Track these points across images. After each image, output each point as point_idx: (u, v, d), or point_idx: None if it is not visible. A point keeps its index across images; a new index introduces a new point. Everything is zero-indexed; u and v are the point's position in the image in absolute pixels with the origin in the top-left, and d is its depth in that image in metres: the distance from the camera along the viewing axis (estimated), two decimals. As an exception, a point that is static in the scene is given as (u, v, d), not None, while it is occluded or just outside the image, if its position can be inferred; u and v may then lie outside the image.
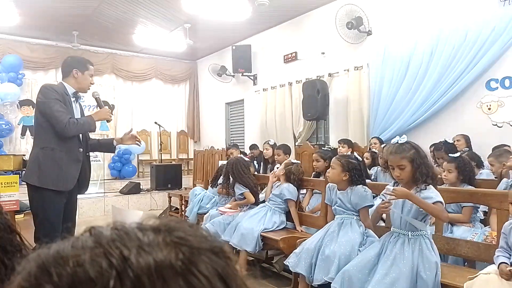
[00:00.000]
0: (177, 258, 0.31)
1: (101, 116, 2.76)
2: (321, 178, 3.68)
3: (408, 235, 2.08)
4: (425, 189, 2.07)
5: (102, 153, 7.45)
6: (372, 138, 4.94)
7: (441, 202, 2.04)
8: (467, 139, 4.16)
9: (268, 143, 4.90)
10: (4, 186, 3.03)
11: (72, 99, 2.67)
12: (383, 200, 2.26)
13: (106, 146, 3.00)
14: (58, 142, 2.54)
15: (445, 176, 2.81)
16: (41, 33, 7.48)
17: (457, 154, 2.90)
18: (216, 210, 3.85)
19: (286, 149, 4.57)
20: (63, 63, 2.75)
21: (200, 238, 0.34)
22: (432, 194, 2.05)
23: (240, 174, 3.73)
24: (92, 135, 2.99)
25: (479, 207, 2.66)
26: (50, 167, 2.51)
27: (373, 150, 4.52)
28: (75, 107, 2.70)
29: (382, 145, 4.40)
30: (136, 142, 2.97)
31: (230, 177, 3.80)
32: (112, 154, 8.24)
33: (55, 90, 2.55)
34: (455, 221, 2.60)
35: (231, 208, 3.69)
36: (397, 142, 2.16)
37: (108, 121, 2.86)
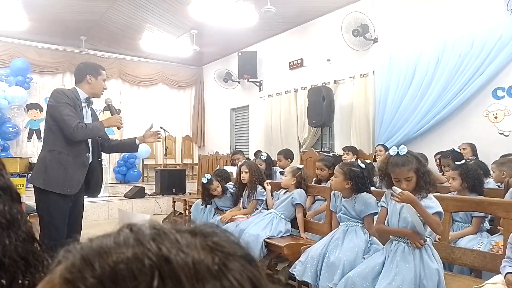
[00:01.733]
0: (213, 262, 0.31)
1: (111, 122, 2.77)
2: (324, 185, 3.68)
3: (408, 242, 2.07)
4: (426, 197, 2.06)
5: (109, 157, 7.51)
6: (378, 145, 4.93)
7: (440, 213, 2.03)
8: (473, 148, 4.14)
9: (260, 158, 4.54)
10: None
11: (84, 105, 2.70)
12: (382, 205, 2.26)
13: (129, 145, 3.01)
14: (66, 146, 2.56)
15: (450, 184, 2.80)
16: (49, 37, 7.57)
17: (462, 162, 2.89)
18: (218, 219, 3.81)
19: (287, 154, 4.55)
20: (76, 69, 2.78)
21: (234, 245, 0.35)
22: (433, 203, 2.04)
23: (262, 176, 3.73)
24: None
25: (487, 217, 2.64)
26: (56, 170, 2.52)
27: (379, 157, 4.51)
28: (86, 112, 2.73)
29: (379, 157, 4.35)
30: (158, 138, 2.98)
31: (253, 181, 3.66)
32: (118, 159, 8.29)
33: (66, 95, 2.57)
34: (464, 235, 2.57)
35: (244, 213, 3.66)
36: (397, 153, 2.11)
37: (118, 128, 2.85)
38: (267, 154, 4.62)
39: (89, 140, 2.72)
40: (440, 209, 2.03)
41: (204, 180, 3.86)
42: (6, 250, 0.54)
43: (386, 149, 4.75)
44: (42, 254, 0.63)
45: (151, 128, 2.99)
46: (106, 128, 2.79)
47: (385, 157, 2.22)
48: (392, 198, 2.01)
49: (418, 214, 2.01)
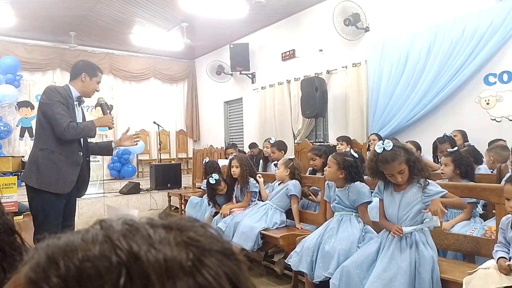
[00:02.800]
0: (187, 258, 0.30)
1: (103, 122, 2.73)
2: (318, 175, 3.69)
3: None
4: (428, 183, 2.08)
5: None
6: (371, 134, 4.94)
7: (446, 192, 2.08)
8: (464, 134, 4.16)
9: (269, 141, 4.89)
10: (3, 188, 3.02)
11: (76, 103, 2.66)
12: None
13: (105, 149, 2.97)
14: (58, 144, 2.53)
15: (442, 170, 2.82)
16: (38, 34, 7.46)
17: (455, 149, 2.91)
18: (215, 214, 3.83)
19: (280, 146, 4.56)
20: (74, 66, 2.73)
21: (211, 239, 0.34)
22: (436, 188, 2.08)
23: (252, 170, 3.73)
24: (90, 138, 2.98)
25: (479, 202, 2.66)
26: (49, 169, 2.49)
27: (372, 146, 4.52)
28: (77, 111, 2.69)
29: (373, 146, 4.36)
30: (135, 142, 2.95)
31: (246, 172, 3.67)
32: (112, 154, 8.23)
33: (58, 92, 2.52)
34: (457, 222, 2.60)
35: (241, 206, 3.67)
36: (383, 149, 2.10)
37: (109, 128, 2.79)
38: (274, 139, 4.85)
39: (82, 139, 2.68)
40: (443, 189, 2.08)
41: (212, 181, 3.81)
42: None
43: (380, 138, 4.76)
44: (20, 245, 0.64)
45: (127, 131, 2.96)
46: (97, 128, 2.73)
47: (372, 154, 2.21)
48: (439, 219, 2.00)
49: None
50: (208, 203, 4.03)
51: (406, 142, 4.12)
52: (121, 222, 0.33)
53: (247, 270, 0.34)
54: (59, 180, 2.51)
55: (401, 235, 2.04)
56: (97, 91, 2.73)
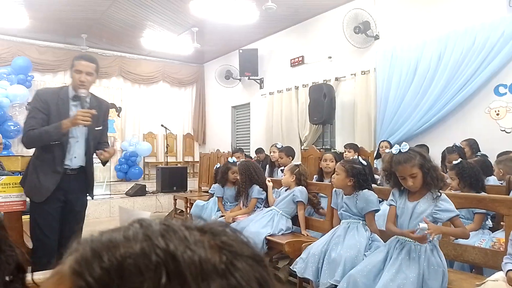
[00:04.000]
0: (220, 261, 0.31)
1: (72, 121, 2.29)
2: (326, 181, 3.68)
3: (415, 242, 2.05)
4: (440, 196, 2.04)
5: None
6: (382, 141, 4.90)
7: (458, 214, 2.04)
8: (472, 145, 4.12)
9: (276, 146, 4.90)
10: (12, 187, 3.05)
11: (74, 103, 2.43)
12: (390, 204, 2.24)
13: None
14: (40, 150, 2.41)
15: (450, 183, 2.80)
16: (50, 36, 7.57)
17: (458, 161, 2.88)
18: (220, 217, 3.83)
19: (288, 152, 4.56)
20: None
21: (243, 244, 0.34)
22: (449, 205, 2.03)
23: (258, 176, 3.75)
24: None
25: (490, 214, 2.63)
26: (31, 175, 2.43)
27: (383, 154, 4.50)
28: (75, 111, 2.42)
29: (383, 154, 4.35)
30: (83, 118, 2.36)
31: (246, 180, 3.71)
32: (119, 156, 8.29)
33: (38, 97, 2.39)
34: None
35: (244, 213, 3.68)
36: (399, 151, 2.10)
37: (84, 125, 2.36)
38: (281, 145, 4.94)
39: (76, 144, 2.46)
40: (456, 210, 2.03)
41: (231, 160, 4.17)
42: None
43: (391, 145, 4.74)
44: (11, 241, 0.66)
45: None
46: (67, 129, 2.34)
47: (389, 156, 2.21)
48: (426, 232, 1.92)
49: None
50: (217, 182, 4.20)
51: (465, 140, 4.18)
52: (159, 222, 0.34)
53: (273, 277, 0.35)
54: (36, 187, 2.39)
55: (425, 236, 1.93)
56: (81, 81, 2.39)
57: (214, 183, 4.58)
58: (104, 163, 2.60)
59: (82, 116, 2.28)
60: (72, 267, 0.31)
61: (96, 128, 2.54)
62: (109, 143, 2.76)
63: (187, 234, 0.33)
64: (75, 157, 2.47)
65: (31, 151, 2.54)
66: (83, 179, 2.54)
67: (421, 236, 1.94)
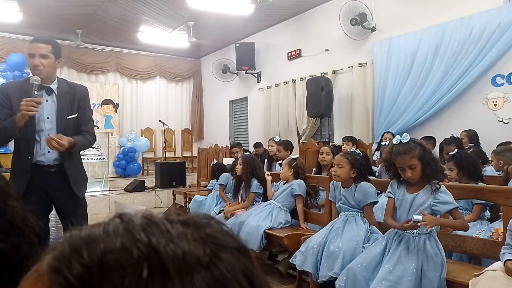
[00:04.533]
0: (204, 253, 0.31)
1: (23, 113, 2.00)
2: (323, 174, 3.68)
3: (413, 233, 2.06)
4: (439, 188, 2.04)
5: (108, 151, 7.50)
6: (386, 132, 4.88)
7: (457, 206, 2.04)
8: (471, 135, 4.12)
9: (273, 140, 4.90)
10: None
11: (38, 93, 2.14)
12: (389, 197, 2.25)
13: None
14: (14, 147, 2.25)
15: (449, 174, 2.80)
16: (45, 32, 7.50)
17: (454, 151, 2.89)
18: (219, 212, 3.85)
19: (286, 145, 4.56)
20: None
21: (227, 236, 0.34)
22: (448, 197, 2.03)
23: (259, 170, 3.74)
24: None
25: (488, 205, 2.64)
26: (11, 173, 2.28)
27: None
28: (45, 104, 2.18)
29: (382, 145, 4.34)
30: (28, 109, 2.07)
31: (249, 171, 3.72)
32: (117, 152, 8.28)
33: (0, 92, 2.20)
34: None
35: (242, 207, 3.69)
36: (400, 142, 2.10)
37: (29, 116, 2.04)
38: (279, 139, 4.87)
39: (37, 138, 2.20)
40: (454, 202, 2.03)
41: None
42: (25, 218, 0.57)
43: (394, 136, 4.72)
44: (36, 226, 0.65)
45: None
46: (21, 122, 2.04)
47: (389, 146, 2.21)
48: (419, 224, 1.93)
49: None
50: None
51: (464, 131, 4.14)
52: (140, 216, 0.33)
53: (259, 268, 0.35)
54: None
55: (417, 225, 1.94)
56: (34, 65, 2.15)
57: (212, 179, 4.59)
58: (65, 153, 2.17)
59: (25, 106, 1.99)
60: (50, 264, 0.30)
61: (69, 117, 2.24)
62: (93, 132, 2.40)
63: (170, 227, 0.32)
64: (48, 152, 2.20)
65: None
66: (65, 176, 2.23)
67: (412, 225, 1.94)
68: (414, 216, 1.94)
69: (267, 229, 3.13)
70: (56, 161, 2.24)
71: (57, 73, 2.35)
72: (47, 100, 2.22)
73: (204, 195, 4.70)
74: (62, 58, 2.31)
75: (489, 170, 3.24)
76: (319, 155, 3.89)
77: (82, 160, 2.48)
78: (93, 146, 2.57)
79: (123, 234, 0.31)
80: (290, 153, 4.52)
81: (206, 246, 0.31)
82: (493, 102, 4.39)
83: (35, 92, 2.09)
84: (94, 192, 6.34)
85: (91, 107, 2.48)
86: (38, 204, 2.14)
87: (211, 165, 4.77)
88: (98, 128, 7.93)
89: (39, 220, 0.65)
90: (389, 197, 2.23)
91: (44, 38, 2.22)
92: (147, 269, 0.28)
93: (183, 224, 0.33)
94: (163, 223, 0.32)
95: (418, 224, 1.91)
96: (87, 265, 0.29)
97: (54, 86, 2.25)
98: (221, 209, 4.00)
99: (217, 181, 4.45)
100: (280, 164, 4.16)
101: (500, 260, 1.83)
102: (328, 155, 3.77)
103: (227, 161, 4.85)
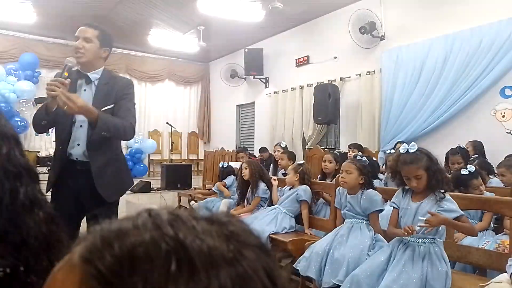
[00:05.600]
0: (228, 250, 0.31)
1: (47, 92, 1.93)
2: (328, 180, 3.69)
3: (418, 242, 2.06)
4: (444, 197, 2.04)
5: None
6: (399, 142, 4.85)
7: (462, 215, 2.02)
8: (476, 146, 4.10)
9: (280, 145, 4.91)
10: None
11: (80, 82, 2.11)
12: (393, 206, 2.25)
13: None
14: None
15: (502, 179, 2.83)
16: (57, 32, 7.61)
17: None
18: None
19: (290, 155, 4.57)
20: None
21: (249, 234, 0.35)
22: (453, 206, 2.02)
23: (265, 174, 3.77)
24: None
25: (495, 216, 2.62)
26: None
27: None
28: (83, 92, 2.11)
29: (387, 152, 4.32)
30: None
31: (255, 174, 3.75)
32: (124, 153, 8.31)
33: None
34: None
35: (247, 211, 3.71)
36: (407, 151, 2.10)
37: (52, 96, 1.91)
38: (285, 144, 4.94)
39: (79, 129, 2.08)
40: (459, 210, 2.02)
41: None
42: (30, 231, 0.54)
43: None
44: (62, 234, 0.62)
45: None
46: (53, 104, 1.92)
47: (396, 155, 2.21)
48: (422, 226, 1.93)
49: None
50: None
51: (470, 141, 4.08)
52: (167, 212, 0.34)
53: (279, 267, 0.36)
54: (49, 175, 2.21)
55: (412, 233, 1.96)
56: (76, 48, 2.12)
57: (219, 181, 4.62)
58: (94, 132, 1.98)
59: (49, 85, 1.89)
60: (82, 255, 0.31)
61: (104, 108, 2.05)
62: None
63: (195, 223, 0.33)
64: (78, 145, 2.07)
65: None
66: (91, 174, 2.03)
67: (414, 229, 1.94)
68: (419, 218, 1.95)
69: (272, 234, 3.14)
70: (84, 157, 2.06)
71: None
72: (85, 90, 2.12)
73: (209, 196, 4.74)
74: (109, 49, 2.18)
75: (494, 182, 3.22)
76: (322, 163, 3.89)
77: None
78: (130, 138, 2.28)
79: (152, 228, 0.32)
80: (293, 163, 4.53)
81: (230, 243, 0.32)
82: (501, 113, 4.37)
83: (65, 74, 1.96)
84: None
85: (133, 101, 2.25)
86: (70, 203, 2.01)
87: (220, 166, 4.79)
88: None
89: (68, 225, 0.61)
90: (393, 207, 2.23)
91: (92, 23, 2.14)
92: (175, 262, 0.29)
93: (207, 221, 0.34)
94: (189, 219, 0.33)
95: (421, 224, 1.91)
96: (118, 257, 0.30)
97: (94, 75, 2.13)
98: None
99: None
100: (283, 174, 4.18)
101: (506, 272, 1.82)
102: (330, 163, 3.76)
103: (234, 165, 4.87)
